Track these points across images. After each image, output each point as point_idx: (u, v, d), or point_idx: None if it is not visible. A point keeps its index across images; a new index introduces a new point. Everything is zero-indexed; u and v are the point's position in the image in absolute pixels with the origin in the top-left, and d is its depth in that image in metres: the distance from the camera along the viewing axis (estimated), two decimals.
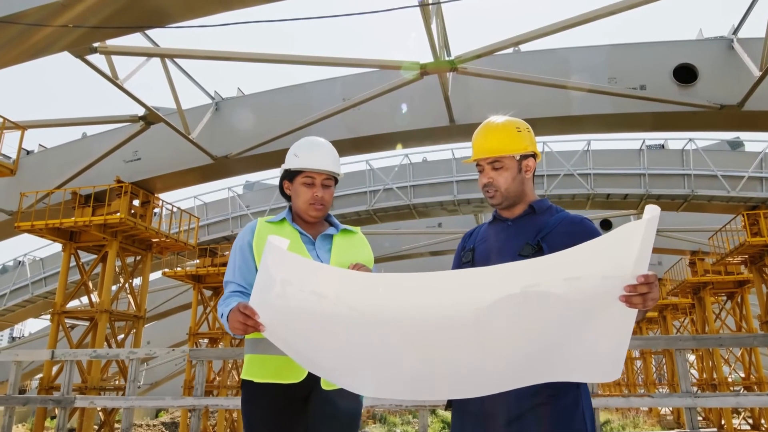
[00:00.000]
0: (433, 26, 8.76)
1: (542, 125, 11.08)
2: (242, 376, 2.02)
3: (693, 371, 26.61)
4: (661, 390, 28.48)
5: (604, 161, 14.88)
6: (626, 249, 1.23)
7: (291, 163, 2.13)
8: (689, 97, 9.93)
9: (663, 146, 15.34)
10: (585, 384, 1.71)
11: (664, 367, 30.17)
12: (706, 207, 14.87)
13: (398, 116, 11.06)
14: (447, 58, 9.57)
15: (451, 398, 1.67)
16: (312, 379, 1.91)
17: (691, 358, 26.34)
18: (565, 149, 15.19)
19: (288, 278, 1.49)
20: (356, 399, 1.98)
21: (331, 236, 2.14)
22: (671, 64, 10.13)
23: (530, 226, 1.83)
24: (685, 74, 10.04)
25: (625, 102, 10.25)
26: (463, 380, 1.49)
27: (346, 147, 12.20)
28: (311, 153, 2.11)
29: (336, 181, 2.17)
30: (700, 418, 21.80)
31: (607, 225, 17.99)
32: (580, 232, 1.67)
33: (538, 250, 1.71)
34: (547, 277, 1.26)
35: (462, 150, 15.98)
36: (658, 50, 10.39)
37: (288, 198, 2.19)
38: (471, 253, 1.90)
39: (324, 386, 1.94)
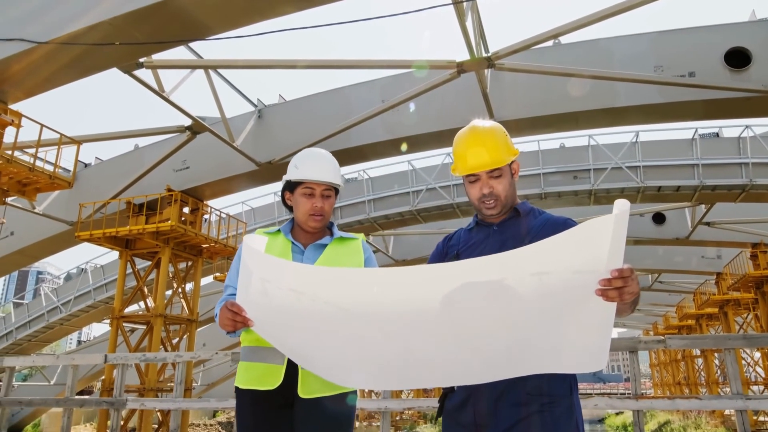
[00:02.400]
0: (468, 23, 8.68)
1: (586, 118, 10.82)
2: (234, 383, 2.10)
3: (759, 369, 25.32)
4: (724, 390, 27.16)
5: (654, 152, 14.33)
6: (597, 244, 1.23)
7: (291, 174, 2.15)
8: (742, 82, 9.45)
9: (717, 134, 14.63)
10: (576, 391, 1.67)
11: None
12: (767, 197, 14.11)
13: (437, 116, 11.00)
14: (484, 55, 9.47)
15: (436, 386, 1.66)
16: (290, 387, 1.94)
17: (757, 355, 25.06)
18: (612, 142, 14.75)
19: (265, 277, 1.52)
20: (343, 406, 1.98)
21: (323, 246, 2.14)
22: (722, 48, 9.66)
23: (516, 229, 1.78)
24: (737, 58, 9.56)
25: (673, 90, 9.86)
26: (446, 370, 1.51)
27: (386, 148, 12.27)
28: (311, 164, 2.14)
29: (337, 191, 2.18)
30: (766, 419, 20.69)
31: (660, 219, 17.33)
32: None
33: None
34: (513, 271, 1.27)
35: None
36: (707, 35, 9.94)
37: (290, 209, 2.21)
38: (455, 260, 1.82)
39: (302, 395, 1.95)
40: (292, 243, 2.13)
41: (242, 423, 2.02)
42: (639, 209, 16.70)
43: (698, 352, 28.70)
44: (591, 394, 3.93)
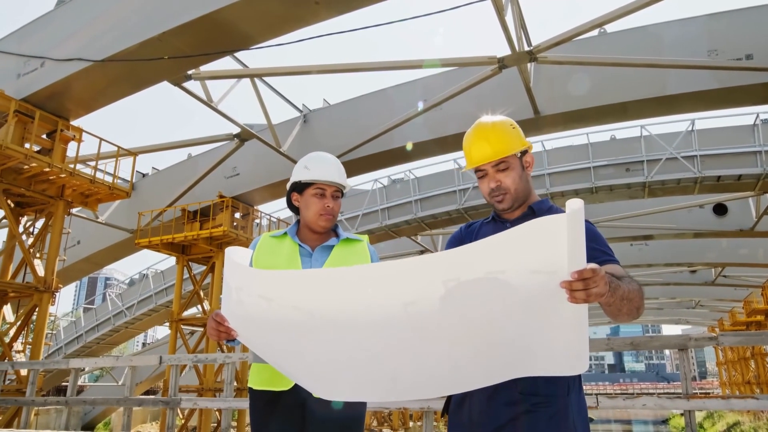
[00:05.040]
0: (508, 16, 8.55)
1: (635, 108, 10.47)
2: (248, 384, 2.14)
3: None
4: None
5: (711, 141, 13.65)
6: (553, 244, 1.18)
7: (302, 175, 2.18)
8: None
9: None
10: (577, 391, 1.62)
11: None
12: None
13: (477, 113, 10.88)
14: (526, 49, 9.30)
15: (418, 398, 1.63)
16: (302, 387, 1.93)
17: None
18: (666, 131, 14.14)
19: (239, 286, 1.54)
20: (354, 406, 1.99)
21: (330, 247, 2.17)
22: None
23: None
24: None
25: (728, 75, 9.40)
26: (422, 380, 1.47)
27: (430, 147, 12.25)
28: (322, 166, 2.18)
29: (342, 194, 2.23)
30: None
31: (721, 210, 16.50)
32: None
33: None
34: (466, 270, 1.23)
35: (550, 141, 15.44)
36: (764, 14, 9.42)
37: (295, 210, 2.25)
38: None
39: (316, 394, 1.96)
40: (300, 246, 2.16)
41: (256, 423, 2.06)
42: (698, 200, 15.96)
43: None
44: (640, 393, 3.80)
